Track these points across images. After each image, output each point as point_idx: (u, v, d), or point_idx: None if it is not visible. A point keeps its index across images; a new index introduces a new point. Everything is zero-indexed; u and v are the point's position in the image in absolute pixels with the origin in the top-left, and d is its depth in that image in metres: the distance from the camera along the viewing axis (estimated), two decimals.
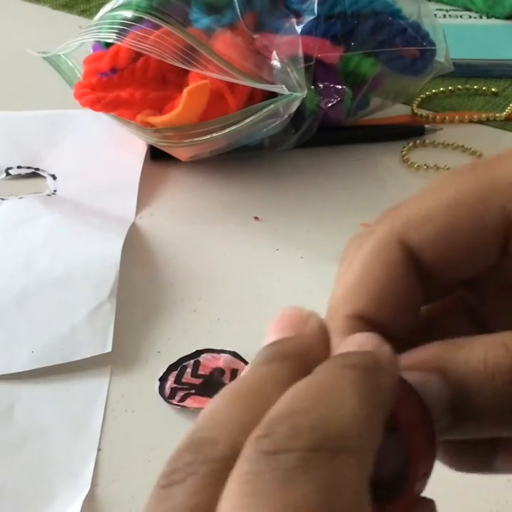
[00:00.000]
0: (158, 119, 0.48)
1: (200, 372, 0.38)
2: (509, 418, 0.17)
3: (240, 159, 0.54)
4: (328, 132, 0.54)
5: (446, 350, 0.18)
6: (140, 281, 0.44)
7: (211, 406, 0.17)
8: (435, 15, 0.58)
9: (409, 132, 0.58)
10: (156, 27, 0.46)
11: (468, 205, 0.18)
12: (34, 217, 0.47)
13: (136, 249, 0.46)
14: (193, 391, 0.37)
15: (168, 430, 0.35)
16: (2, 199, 0.50)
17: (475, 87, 0.63)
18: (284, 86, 0.45)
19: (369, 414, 0.15)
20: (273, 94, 0.47)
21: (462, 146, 0.55)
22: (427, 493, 0.33)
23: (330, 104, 0.51)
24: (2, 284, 0.42)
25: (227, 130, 0.47)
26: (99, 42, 0.52)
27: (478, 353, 0.17)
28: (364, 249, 0.20)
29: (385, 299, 0.19)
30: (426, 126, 0.58)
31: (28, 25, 0.78)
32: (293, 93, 0.45)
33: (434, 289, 0.20)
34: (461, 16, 0.71)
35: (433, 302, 0.21)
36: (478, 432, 0.18)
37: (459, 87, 0.63)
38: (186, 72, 0.49)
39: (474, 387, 0.17)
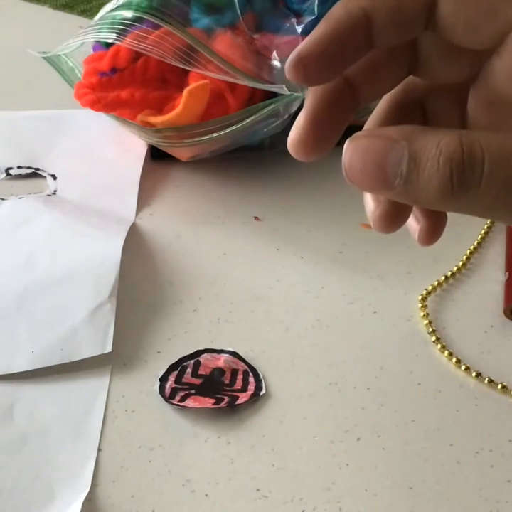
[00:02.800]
0: (158, 119, 0.48)
1: (201, 372, 0.38)
2: (439, 198, 0.21)
3: (240, 159, 0.54)
4: None
5: (414, 130, 0.22)
6: (140, 281, 0.44)
7: None
8: None
9: None
10: (156, 27, 0.46)
11: None
12: (34, 217, 0.47)
13: (136, 249, 0.46)
14: (193, 391, 0.37)
15: (168, 430, 0.36)
16: (2, 199, 0.50)
17: None
18: (284, 86, 0.45)
19: None
20: (273, 94, 0.47)
21: None
22: (427, 492, 0.34)
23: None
24: (2, 284, 0.42)
25: (227, 130, 0.47)
26: (99, 42, 0.52)
27: (437, 137, 0.21)
28: None
29: (392, 12, 0.23)
30: None
31: (28, 25, 0.78)
32: (293, 93, 0.45)
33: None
34: None
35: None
36: (421, 205, 0.23)
37: None
38: (186, 72, 0.49)
39: (423, 159, 0.21)
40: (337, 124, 0.24)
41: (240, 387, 0.37)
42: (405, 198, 0.22)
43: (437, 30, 0.23)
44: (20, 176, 0.53)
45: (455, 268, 0.45)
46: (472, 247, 0.47)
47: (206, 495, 0.33)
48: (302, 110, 0.25)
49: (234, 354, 0.39)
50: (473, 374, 0.38)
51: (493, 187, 0.21)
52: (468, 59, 0.24)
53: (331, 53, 0.23)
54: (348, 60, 0.24)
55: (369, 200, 0.25)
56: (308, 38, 0.23)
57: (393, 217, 0.25)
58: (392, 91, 0.27)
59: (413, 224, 0.27)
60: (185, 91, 0.47)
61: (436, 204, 0.21)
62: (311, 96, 0.25)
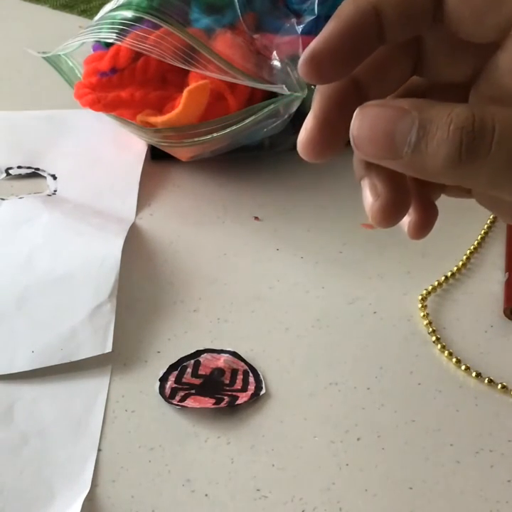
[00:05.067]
0: (158, 119, 0.48)
1: (201, 372, 0.38)
2: (446, 167, 0.21)
3: (240, 159, 0.54)
4: None
5: (426, 102, 0.22)
6: (140, 281, 0.44)
7: None
8: None
9: None
10: (156, 27, 0.46)
11: None
12: (34, 217, 0.47)
13: (136, 249, 0.46)
14: (193, 391, 0.37)
15: (168, 430, 0.36)
16: (2, 199, 0.50)
17: None
18: (284, 86, 0.45)
19: None
20: (273, 94, 0.47)
21: None
22: (427, 492, 0.34)
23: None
24: (2, 284, 0.42)
25: (227, 130, 0.47)
26: (99, 42, 0.52)
27: (448, 108, 0.21)
28: None
29: (401, 7, 0.23)
30: None
31: (28, 25, 0.78)
32: (293, 93, 0.45)
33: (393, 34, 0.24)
34: None
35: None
36: (427, 176, 0.22)
37: None
38: (186, 72, 0.49)
39: (433, 127, 0.21)
40: (346, 124, 0.24)
41: (239, 387, 0.37)
42: (411, 168, 0.22)
43: (444, 23, 0.24)
44: (20, 176, 0.53)
45: (455, 268, 0.45)
46: (472, 247, 0.47)
47: (206, 495, 0.33)
48: (310, 111, 0.25)
49: (234, 354, 0.39)
50: (473, 374, 0.38)
51: (500, 158, 0.21)
52: (472, 56, 0.25)
53: (343, 50, 0.23)
54: (360, 56, 0.24)
55: (367, 195, 0.26)
56: (320, 36, 0.23)
57: (392, 210, 0.25)
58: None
59: (404, 218, 0.27)
60: (185, 91, 0.47)
61: (442, 174, 0.21)
62: (318, 97, 0.25)
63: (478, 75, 0.25)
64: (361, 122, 0.23)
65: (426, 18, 0.24)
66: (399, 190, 0.25)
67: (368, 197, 0.26)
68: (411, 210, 0.27)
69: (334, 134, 0.25)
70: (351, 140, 0.23)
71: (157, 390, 0.37)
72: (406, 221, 0.27)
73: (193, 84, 0.47)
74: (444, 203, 0.44)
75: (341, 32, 0.23)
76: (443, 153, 0.21)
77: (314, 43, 0.23)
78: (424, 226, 0.27)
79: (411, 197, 0.26)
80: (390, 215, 0.25)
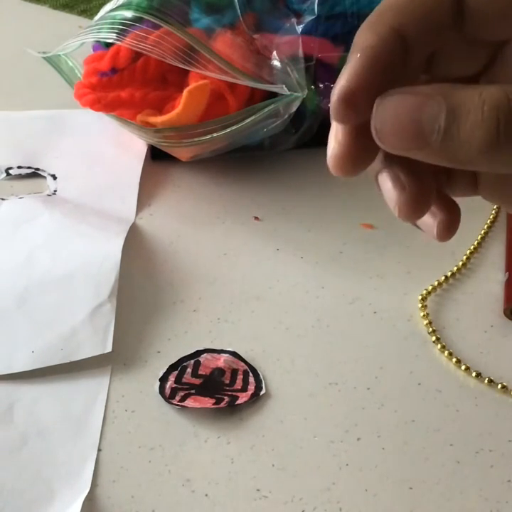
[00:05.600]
0: (158, 119, 0.48)
1: (201, 372, 0.38)
2: (482, 151, 0.20)
3: (240, 159, 0.54)
4: (328, 132, 0.53)
5: (450, 86, 0.21)
6: (140, 281, 0.44)
7: None
8: None
9: None
10: (156, 27, 0.46)
11: None
12: (34, 217, 0.47)
13: (136, 249, 0.46)
14: (193, 391, 0.37)
15: (168, 430, 0.36)
16: (2, 199, 0.50)
17: None
18: (284, 86, 0.45)
19: None
20: (273, 94, 0.47)
21: None
22: (427, 492, 0.34)
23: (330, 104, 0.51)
24: (2, 284, 0.42)
25: (227, 130, 0.47)
26: (99, 42, 0.52)
27: (476, 90, 0.20)
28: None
29: (423, 23, 0.23)
30: None
31: (28, 25, 0.78)
32: (293, 93, 0.45)
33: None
34: None
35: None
36: (460, 163, 0.21)
37: None
38: (186, 72, 0.49)
39: (464, 111, 0.20)
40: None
41: (239, 387, 0.37)
42: (442, 157, 0.21)
43: (463, 27, 0.23)
44: (20, 176, 0.53)
45: (455, 268, 0.45)
46: (472, 247, 0.47)
47: (206, 495, 0.33)
48: (337, 124, 0.24)
49: (234, 354, 0.39)
50: (473, 374, 0.38)
51: None
52: (486, 50, 0.24)
53: (375, 83, 0.22)
54: (391, 83, 0.22)
55: (390, 188, 0.24)
56: (347, 73, 0.22)
57: (418, 202, 0.23)
58: None
59: (428, 220, 0.26)
60: (185, 91, 0.47)
61: (477, 160, 0.20)
62: (346, 110, 0.23)
63: (490, 66, 0.24)
64: (383, 113, 0.21)
65: (447, 28, 0.23)
66: (423, 181, 0.23)
67: (392, 190, 0.24)
68: (436, 211, 0.26)
69: (368, 145, 0.23)
70: (373, 133, 0.22)
71: (157, 390, 0.37)
72: (432, 224, 0.26)
73: (193, 84, 0.47)
74: None
75: (369, 65, 0.22)
76: (478, 137, 0.20)
77: (344, 81, 0.22)
78: (452, 225, 0.26)
79: (434, 190, 0.24)
80: (419, 206, 0.23)
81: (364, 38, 0.22)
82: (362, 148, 0.23)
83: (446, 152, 0.20)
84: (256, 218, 0.49)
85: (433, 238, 0.26)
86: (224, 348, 0.40)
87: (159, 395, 0.37)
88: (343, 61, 0.52)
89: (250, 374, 0.38)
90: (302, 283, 0.44)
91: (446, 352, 0.40)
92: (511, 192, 0.25)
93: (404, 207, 0.23)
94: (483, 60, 0.25)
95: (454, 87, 0.21)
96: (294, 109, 0.47)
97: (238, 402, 0.36)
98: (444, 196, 0.26)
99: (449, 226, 0.26)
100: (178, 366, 0.38)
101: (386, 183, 0.24)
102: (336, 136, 0.24)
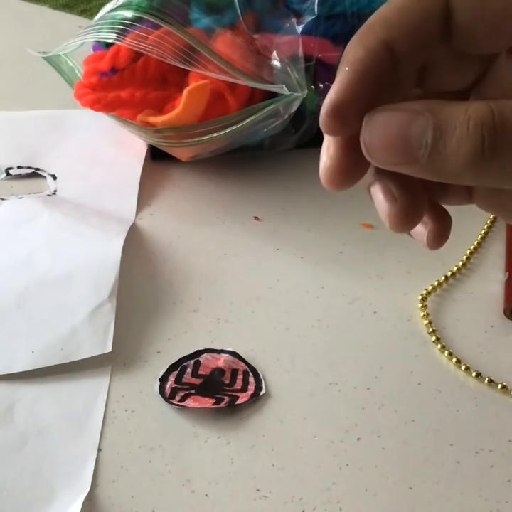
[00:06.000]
0: (158, 119, 0.48)
1: (201, 372, 0.38)
2: (468, 166, 0.20)
3: (240, 159, 0.54)
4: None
5: (437, 102, 0.21)
6: (140, 281, 0.44)
7: None
8: None
9: None
10: (156, 27, 0.46)
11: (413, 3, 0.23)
12: (34, 217, 0.47)
13: (136, 249, 0.46)
14: (193, 391, 0.37)
15: (168, 430, 0.36)
16: (2, 199, 0.50)
17: None
18: (284, 86, 0.45)
19: None
20: (273, 94, 0.47)
21: None
22: (427, 492, 0.34)
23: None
24: (2, 284, 0.42)
25: (227, 130, 0.47)
26: (99, 42, 0.52)
27: (462, 106, 0.20)
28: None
29: (411, 36, 0.23)
30: None
31: (28, 25, 0.78)
32: (293, 93, 0.45)
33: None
34: None
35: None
36: (446, 177, 0.21)
37: None
38: (186, 72, 0.49)
39: (450, 126, 0.20)
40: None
41: (239, 387, 0.37)
42: (429, 171, 0.21)
43: (451, 41, 0.23)
44: (20, 176, 0.53)
45: (455, 268, 0.45)
46: (472, 247, 0.47)
47: (206, 495, 0.33)
48: (328, 138, 0.24)
49: (234, 354, 0.39)
50: (473, 374, 0.38)
51: None
52: (476, 63, 0.24)
53: (364, 96, 0.22)
54: (380, 96, 0.23)
55: (381, 200, 0.24)
56: (336, 86, 0.22)
57: (411, 213, 0.24)
58: None
59: (420, 229, 0.26)
60: (185, 91, 0.47)
61: (463, 175, 0.21)
62: (335, 124, 0.24)
63: (481, 79, 0.24)
64: (372, 129, 0.22)
65: (436, 42, 0.23)
66: (414, 193, 0.24)
67: (383, 202, 0.24)
68: (427, 220, 0.26)
69: (361, 159, 0.23)
70: (363, 149, 0.22)
71: (157, 390, 0.37)
72: (423, 232, 0.26)
73: (193, 84, 0.47)
74: None
75: (358, 78, 0.22)
76: (464, 152, 0.20)
77: (333, 94, 0.22)
78: (442, 235, 0.26)
79: (425, 201, 0.25)
80: (409, 219, 0.24)
81: (353, 51, 0.22)
82: (353, 162, 0.24)
83: (434, 167, 0.21)
84: (256, 218, 0.49)
85: (423, 246, 0.26)
86: (224, 348, 0.40)
87: (159, 395, 0.37)
88: None
89: (250, 374, 0.38)
90: (302, 283, 0.44)
91: (446, 352, 0.40)
92: (504, 201, 0.25)
93: (394, 219, 0.24)
94: (474, 74, 0.25)
95: (441, 103, 0.21)
96: (294, 109, 0.47)
97: (238, 402, 0.36)
98: (435, 205, 0.26)
99: (439, 235, 0.26)
100: (178, 366, 0.38)
101: (378, 195, 0.24)
102: (328, 150, 0.24)
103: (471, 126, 0.20)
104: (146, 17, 0.46)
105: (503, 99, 0.21)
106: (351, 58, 0.22)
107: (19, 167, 0.54)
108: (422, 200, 0.24)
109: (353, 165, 0.24)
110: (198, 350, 0.39)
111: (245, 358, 0.39)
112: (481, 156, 0.20)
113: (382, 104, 0.22)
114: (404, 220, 0.24)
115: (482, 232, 0.48)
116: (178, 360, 0.39)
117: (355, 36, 0.23)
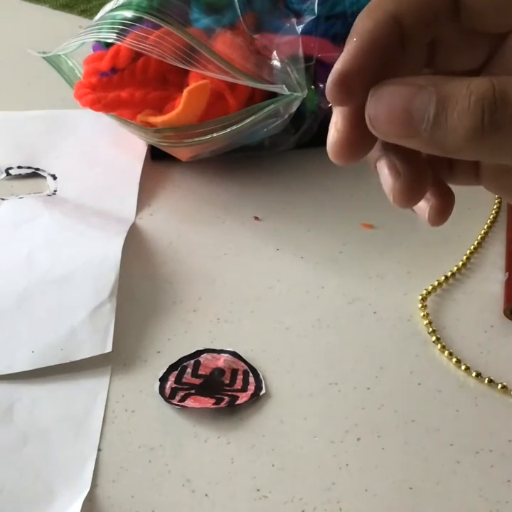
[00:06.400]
0: (158, 119, 0.48)
1: (201, 372, 0.38)
2: (468, 140, 0.21)
3: (240, 159, 0.54)
4: (328, 132, 0.53)
5: (441, 77, 0.22)
6: (140, 281, 0.44)
7: None
8: None
9: None
10: (157, 27, 0.46)
11: None
12: (34, 217, 0.47)
13: (136, 249, 0.46)
14: (193, 391, 0.37)
15: (168, 430, 0.36)
16: (2, 199, 0.50)
17: None
18: (284, 86, 0.45)
19: None
20: (273, 94, 0.47)
21: None
22: (427, 492, 0.34)
23: (330, 104, 0.51)
24: (2, 284, 0.42)
25: (227, 130, 0.47)
26: (99, 42, 0.52)
27: (465, 81, 0.21)
28: None
29: (420, 11, 0.23)
30: None
31: (28, 25, 0.78)
32: (293, 93, 0.45)
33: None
34: None
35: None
36: (448, 151, 0.22)
37: None
38: (186, 72, 0.49)
39: (452, 101, 0.21)
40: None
41: (239, 387, 0.37)
42: (431, 145, 0.22)
43: (460, 18, 0.23)
44: (20, 176, 0.53)
45: (455, 268, 0.45)
46: (472, 247, 0.47)
47: (206, 495, 0.33)
48: (337, 110, 0.24)
49: (234, 354, 0.39)
50: (473, 374, 0.38)
51: None
52: (486, 42, 0.25)
53: (370, 67, 0.23)
54: (387, 69, 0.23)
55: (387, 175, 0.25)
56: (343, 56, 0.23)
57: (414, 188, 0.24)
58: None
59: (422, 205, 0.27)
60: (185, 91, 0.47)
61: (463, 149, 0.21)
62: (343, 94, 0.24)
63: (491, 59, 0.25)
64: (377, 102, 0.22)
65: (444, 18, 0.23)
66: (419, 169, 0.24)
67: (388, 177, 0.25)
68: (429, 196, 0.26)
69: (368, 133, 0.24)
70: (367, 121, 0.22)
71: (157, 390, 0.37)
72: (425, 208, 0.27)
73: (193, 84, 0.47)
74: None
75: (365, 49, 0.23)
76: (464, 126, 0.20)
77: (340, 64, 0.23)
78: (444, 211, 0.26)
79: (430, 178, 0.25)
80: (412, 194, 0.24)
81: (362, 23, 0.23)
82: (360, 136, 0.24)
83: (435, 141, 0.21)
84: (256, 218, 0.49)
85: (425, 222, 0.27)
86: (224, 348, 0.40)
87: (159, 395, 0.37)
88: None
89: (250, 374, 0.38)
90: (302, 283, 0.44)
91: (446, 352, 0.40)
92: (511, 182, 0.26)
93: (398, 193, 0.24)
94: (484, 54, 0.25)
95: (445, 78, 0.21)
96: (294, 109, 0.47)
97: (238, 402, 0.36)
98: (439, 182, 0.27)
99: (442, 212, 0.26)
100: (178, 366, 0.38)
101: (383, 170, 0.25)
102: (336, 124, 0.24)
103: (472, 101, 0.20)
104: (146, 17, 0.46)
105: (506, 76, 0.21)
106: (360, 30, 0.23)
107: (19, 167, 0.54)
108: (426, 177, 0.24)
109: (360, 139, 0.24)
110: (198, 350, 0.39)
111: (245, 358, 0.39)
112: (480, 131, 0.20)
113: (387, 77, 0.23)
114: (407, 195, 0.24)
115: (482, 232, 0.48)
116: (178, 360, 0.39)
117: (364, 9, 0.23)
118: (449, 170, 0.28)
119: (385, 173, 0.25)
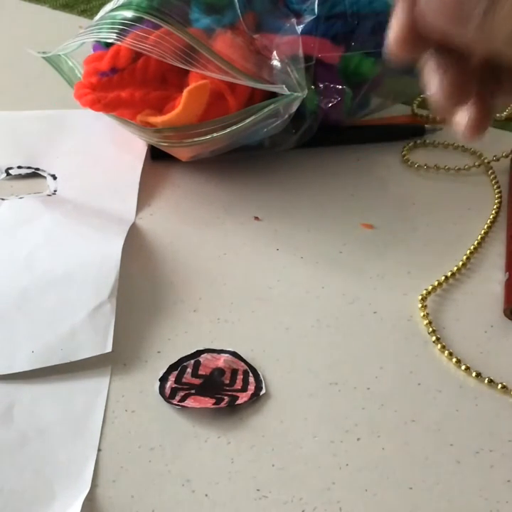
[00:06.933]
0: (158, 119, 0.48)
1: (201, 372, 0.38)
2: None
3: (239, 159, 0.54)
4: (328, 132, 0.54)
5: None
6: (140, 281, 0.44)
7: None
8: None
9: (409, 132, 0.58)
10: (157, 27, 0.46)
11: None
12: (34, 217, 0.47)
13: (136, 249, 0.46)
14: (193, 391, 0.37)
15: (168, 430, 0.36)
16: (2, 199, 0.50)
17: None
18: (284, 86, 0.45)
19: None
20: (273, 94, 0.47)
21: (462, 146, 0.56)
22: (427, 492, 0.34)
23: (330, 104, 0.51)
24: (2, 284, 0.42)
25: (227, 130, 0.47)
26: (99, 42, 0.52)
27: None
28: None
29: None
30: (426, 126, 0.58)
31: (28, 25, 0.78)
32: (293, 93, 0.45)
33: None
34: None
35: None
36: (496, 43, 0.22)
37: None
38: (186, 72, 0.49)
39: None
40: None
41: (239, 387, 0.37)
42: (480, 37, 0.22)
43: None
44: (20, 176, 0.53)
45: (455, 268, 0.45)
46: (472, 247, 0.47)
47: (206, 495, 0.33)
48: (397, 11, 0.25)
49: (234, 354, 0.39)
50: (473, 374, 0.38)
51: None
52: None
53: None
54: None
55: (433, 73, 0.26)
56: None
57: (457, 87, 0.25)
58: None
59: (460, 118, 0.27)
60: (185, 91, 0.47)
61: (505, 47, 0.22)
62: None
63: None
64: None
65: None
66: (464, 71, 0.25)
67: (435, 73, 0.26)
68: (470, 109, 0.27)
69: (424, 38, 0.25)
70: (420, 9, 0.23)
71: (157, 390, 0.37)
72: (463, 121, 0.27)
73: (193, 84, 0.47)
74: (444, 202, 0.44)
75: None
76: (510, 24, 0.21)
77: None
78: (481, 125, 0.27)
79: (474, 85, 0.26)
80: (457, 91, 0.25)
81: None
82: (417, 37, 0.25)
83: (485, 32, 0.22)
84: (256, 218, 0.49)
85: (460, 135, 0.27)
86: (224, 348, 0.40)
87: (159, 395, 0.37)
88: (343, 61, 0.52)
89: (250, 374, 0.38)
90: (302, 283, 0.44)
91: (446, 352, 0.40)
92: None
93: (443, 88, 0.25)
94: None
95: None
96: (294, 109, 0.47)
97: (238, 402, 0.36)
98: (482, 97, 0.27)
99: (479, 125, 0.27)
100: (178, 366, 0.38)
101: (431, 68, 0.26)
102: (397, 21, 0.26)
103: None
104: (146, 17, 0.46)
105: None
106: None
107: (19, 167, 0.54)
108: (470, 80, 0.25)
109: (416, 39, 0.25)
110: (198, 350, 0.39)
111: (245, 358, 0.39)
112: None
113: None
114: (451, 92, 0.25)
115: (482, 232, 0.48)
116: (178, 360, 0.39)
117: None
118: (496, 84, 0.28)
119: (432, 69, 0.26)
